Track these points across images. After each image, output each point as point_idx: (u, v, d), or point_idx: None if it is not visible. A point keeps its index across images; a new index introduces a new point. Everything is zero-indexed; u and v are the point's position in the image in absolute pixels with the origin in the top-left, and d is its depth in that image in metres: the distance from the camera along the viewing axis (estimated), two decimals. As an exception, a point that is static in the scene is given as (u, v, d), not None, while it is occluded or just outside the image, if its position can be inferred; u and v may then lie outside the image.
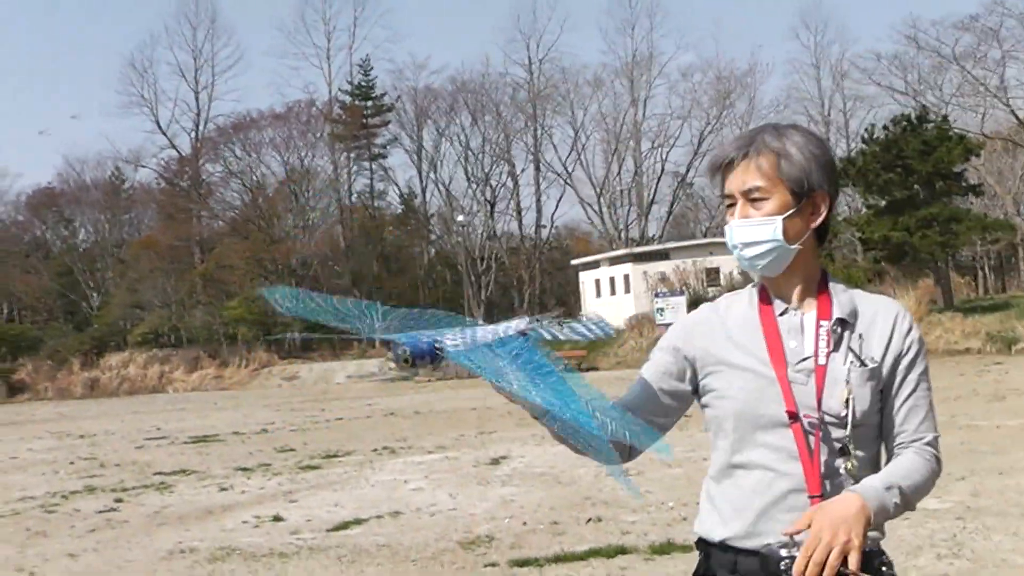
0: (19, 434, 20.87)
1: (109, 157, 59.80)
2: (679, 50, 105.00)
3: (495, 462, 11.58)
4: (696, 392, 2.04)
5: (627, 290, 40.71)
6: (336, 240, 52.95)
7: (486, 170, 55.51)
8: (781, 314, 1.98)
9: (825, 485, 1.88)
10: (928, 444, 1.96)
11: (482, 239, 53.50)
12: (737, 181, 1.96)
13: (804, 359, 1.93)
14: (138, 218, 60.05)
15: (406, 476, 10.95)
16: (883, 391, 1.95)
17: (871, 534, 1.84)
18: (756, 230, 1.94)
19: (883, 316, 1.98)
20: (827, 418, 1.90)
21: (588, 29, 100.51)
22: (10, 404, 37.65)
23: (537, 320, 1.80)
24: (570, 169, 55.71)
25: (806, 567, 1.78)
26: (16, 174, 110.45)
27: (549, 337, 1.83)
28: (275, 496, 10.13)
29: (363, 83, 57.30)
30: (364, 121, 56.27)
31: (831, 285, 2.01)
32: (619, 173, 55.60)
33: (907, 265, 32.54)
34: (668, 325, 2.98)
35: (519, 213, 56.38)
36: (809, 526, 1.80)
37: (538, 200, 56.05)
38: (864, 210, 34.93)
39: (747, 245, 1.95)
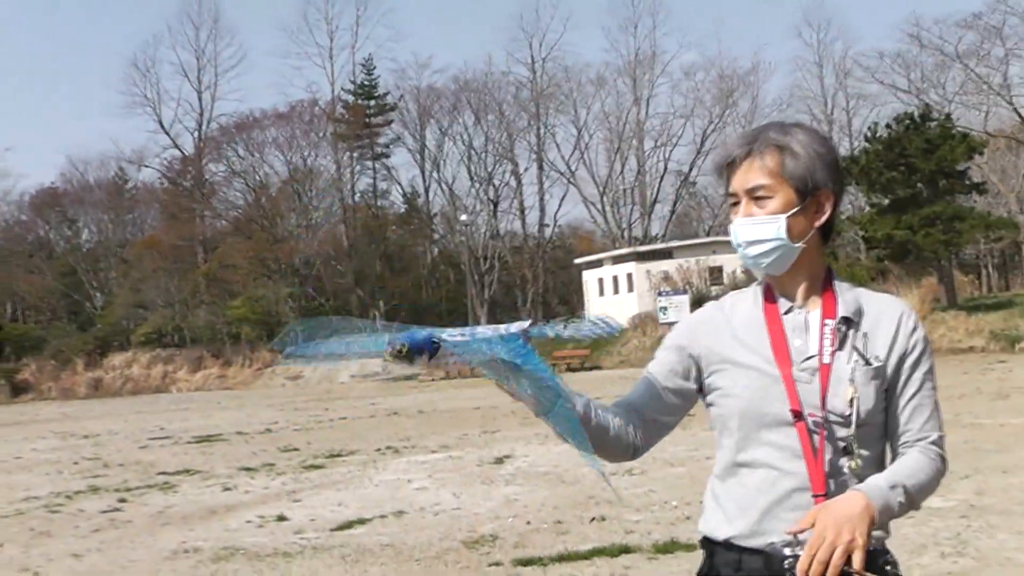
0: (23, 434, 20.91)
1: (112, 157, 60.12)
2: (682, 49, 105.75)
3: (499, 461, 11.58)
4: (701, 391, 2.04)
5: (630, 289, 40.72)
6: (339, 240, 52.96)
7: (489, 169, 55.64)
8: (786, 312, 1.98)
9: (829, 484, 1.88)
10: (933, 443, 1.95)
11: (485, 238, 53.54)
12: (741, 179, 1.96)
13: (809, 358, 1.92)
14: (141, 218, 60.18)
15: (410, 475, 10.95)
16: (888, 390, 1.94)
17: (875, 533, 1.83)
18: (760, 228, 1.93)
19: (888, 315, 1.97)
20: (831, 417, 1.89)
21: (591, 28, 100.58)
22: (14, 404, 37.72)
23: (544, 322, 1.81)
24: (573, 168, 55.86)
25: (810, 566, 1.77)
26: (19, 174, 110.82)
27: (553, 336, 1.83)
28: (279, 496, 10.13)
29: (366, 82, 57.39)
30: (367, 120, 56.31)
31: (836, 284, 2.00)
32: (622, 172, 55.70)
33: (910, 263, 32.50)
34: (671, 324, 2.98)
35: (522, 212, 56.50)
36: (813, 525, 1.80)
37: (541, 199, 56.20)
38: (867, 209, 34.93)
39: (751, 243, 1.95)
